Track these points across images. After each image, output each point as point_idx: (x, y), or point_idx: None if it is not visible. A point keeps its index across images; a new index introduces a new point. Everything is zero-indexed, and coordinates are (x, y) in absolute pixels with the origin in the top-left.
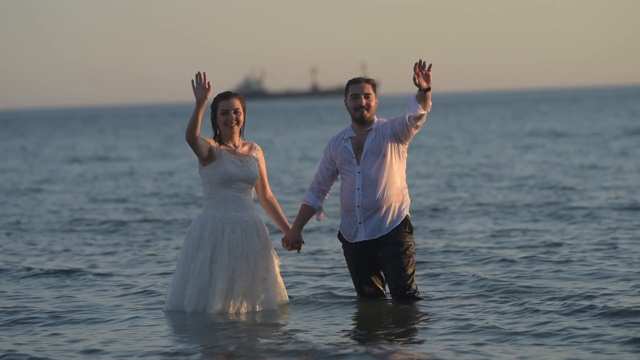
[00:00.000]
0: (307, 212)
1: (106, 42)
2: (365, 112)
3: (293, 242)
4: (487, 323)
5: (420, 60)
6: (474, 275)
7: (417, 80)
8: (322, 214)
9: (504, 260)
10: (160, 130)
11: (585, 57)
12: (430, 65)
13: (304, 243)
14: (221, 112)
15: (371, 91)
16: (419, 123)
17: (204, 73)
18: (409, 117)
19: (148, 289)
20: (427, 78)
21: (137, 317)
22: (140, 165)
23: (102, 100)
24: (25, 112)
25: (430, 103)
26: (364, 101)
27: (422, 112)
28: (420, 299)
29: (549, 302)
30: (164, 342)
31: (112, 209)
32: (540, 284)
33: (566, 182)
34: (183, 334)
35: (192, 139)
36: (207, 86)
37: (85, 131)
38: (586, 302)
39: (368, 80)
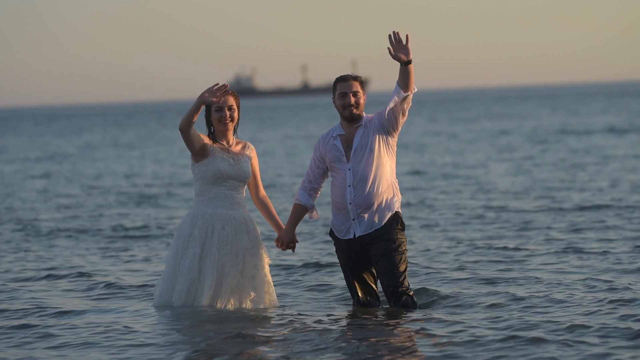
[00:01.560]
0: (300, 211)
1: (98, 38)
2: (354, 110)
3: (287, 242)
4: (477, 325)
5: (393, 32)
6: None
7: (393, 53)
8: (314, 212)
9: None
10: (137, 128)
11: (579, 54)
12: (407, 37)
13: (297, 242)
14: (215, 109)
15: (359, 89)
16: (405, 106)
17: (227, 87)
18: (390, 110)
19: (129, 286)
20: (405, 51)
21: (122, 314)
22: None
23: (94, 98)
24: (19, 111)
25: (413, 86)
26: (352, 99)
27: (405, 95)
28: (412, 296)
29: (539, 307)
30: (151, 340)
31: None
32: (523, 285)
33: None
34: (170, 331)
35: (185, 129)
36: (218, 97)
37: (65, 129)
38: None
39: (356, 78)
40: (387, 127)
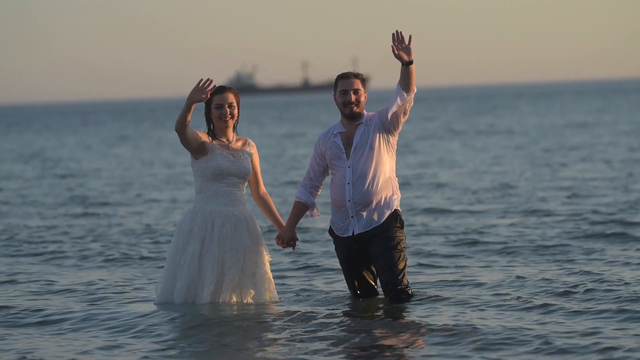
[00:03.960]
0: (301, 208)
1: (98, 37)
2: (355, 107)
3: (288, 240)
4: (479, 320)
5: (397, 31)
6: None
7: (396, 52)
8: (315, 209)
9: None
10: (121, 127)
11: (579, 53)
12: (410, 37)
13: (298, 240)
14: (215, 106)
15: (360, 86)
16: (407, 106)
17: (212, 82)
18: (392, 110)
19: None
20: (407, 51)
21: (123, 314)
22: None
23: (94, 96)
24: (14, 108)
25: (414, 87)
26: (353, 97)
27: (407, 96)
28: (411, 294)
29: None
30: (152, 339)
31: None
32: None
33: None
34: (171, 328)
35: (180, 130)
36: (206, 93)
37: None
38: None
39: (357, 76)
40: (388, 126)
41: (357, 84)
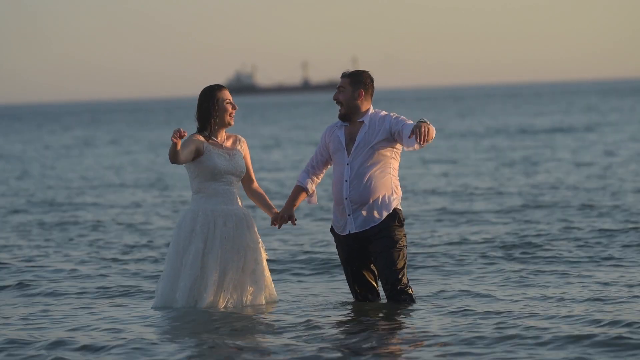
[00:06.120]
0: (299, 192)
1: (98, 37)
2: (340, 107)
3: (287, 217)
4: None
5: (421, 134)
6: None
7: (411, 136)
8: (314, 197)
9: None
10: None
11: (578, 53)
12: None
13: (296, 219)
14: (227, 103)
15: (346, 85)
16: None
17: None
18: (400, 140)
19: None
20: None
21: (121, 315)
22: None
23: (94, 96)
24: (18, 108)
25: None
26: (335, 95)
27: (412, 146)
28: (411, 294)
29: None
30: (149, 340)
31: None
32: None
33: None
34: (170, 331)
35: (175, 163)
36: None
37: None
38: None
39: (350, 75)
40: (396, 138)
41: (343, 83)
